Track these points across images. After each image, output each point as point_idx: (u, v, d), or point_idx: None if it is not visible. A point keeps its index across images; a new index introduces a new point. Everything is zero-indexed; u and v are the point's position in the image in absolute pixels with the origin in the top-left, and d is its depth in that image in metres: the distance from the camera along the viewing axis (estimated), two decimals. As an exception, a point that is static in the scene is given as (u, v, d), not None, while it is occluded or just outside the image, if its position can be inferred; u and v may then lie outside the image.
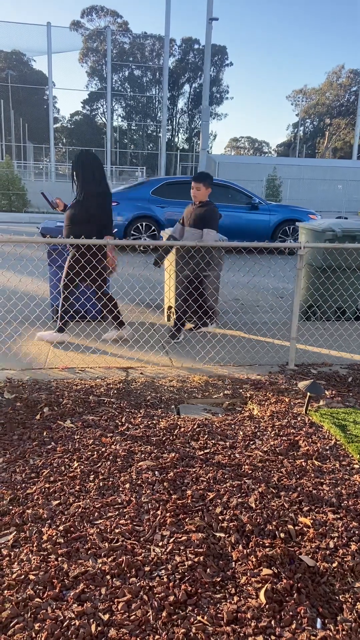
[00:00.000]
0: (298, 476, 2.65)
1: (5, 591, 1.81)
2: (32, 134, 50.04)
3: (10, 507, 2.30)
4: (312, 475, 2.66)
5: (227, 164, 30.10)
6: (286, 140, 66.25)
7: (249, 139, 73.80)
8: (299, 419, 3.36)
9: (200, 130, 22.42)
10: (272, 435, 3.11)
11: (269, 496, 2.44)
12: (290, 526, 2.20)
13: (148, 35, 55.01)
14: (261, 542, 2.08)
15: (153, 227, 11.24)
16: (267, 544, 2.08)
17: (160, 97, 51.55)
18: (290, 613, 1.75)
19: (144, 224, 11.22)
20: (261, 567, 1.95)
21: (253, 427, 3.21)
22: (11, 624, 1.67)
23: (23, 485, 2.48)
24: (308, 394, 3.47)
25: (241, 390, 3.82)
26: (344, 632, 1.69)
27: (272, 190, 24.45)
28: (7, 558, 1.98)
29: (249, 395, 3.74)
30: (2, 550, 2.02)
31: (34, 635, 1.63)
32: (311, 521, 2.25)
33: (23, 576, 1.87)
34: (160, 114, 46.10)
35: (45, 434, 3.01)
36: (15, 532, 2.13)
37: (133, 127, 60.51)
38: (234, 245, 4.36)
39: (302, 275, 4.47)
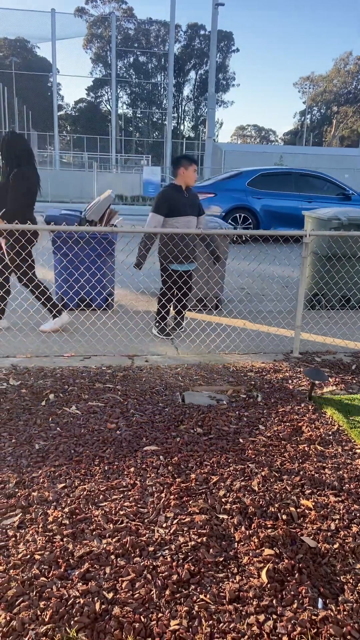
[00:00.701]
0: (301, 460, 2.67)
1: (11, 570, 1.84)
2: (36, 121, 49.84)
3: (16, 490, 2.33)
4: (315, 459, 2.69)
5: (233, 152, 29.92)
6: (293, 129, 65.66)
7: (256, 127, 73.19)
8: (302, 405, 3.38)
9: (206, 118, 22.27)
10: (276, 421, 3.13)
11: (271, 480, 2.46)
12: (292, 508, 2.23)
13: (153, 20, 54.47)
14: (263, 524, 2.11)
15: (250, 219, 11.27)
16: (269, 526, 2.11)
17: (165, 84, 51.14)
18: (292, 593, 1.78)
19: (241, 215, 11.25)
20: (263, 548, 1.98)
21: (257, 414, 3.23)
22: (17, 602, 1.71)
23: (29, 469, 2.52)
24: (312, 381, 3.48)
25: (245, 378, 3.84)
26: (345, 613, 1.72)
27: (278, 179, 24.28)
28: (13, 539, 2.02)
29: (253, 382, 3.76)
30: (8, 531, 2.06)
31: (39, 613, 1.66)
32: (313, 504, 2.27)
33: (29, 556, 1.91)
34: (166, 102, 45.75)
35: (50, 419, 3.04)
36: (21, 514, 2.16)
37: (138, 115, 60.13)
38: (238, 233, 4.36)
39: (308, 263, 4.46)
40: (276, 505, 2.25)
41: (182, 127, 62.27)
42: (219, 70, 54.16)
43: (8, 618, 1.63)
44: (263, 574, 1.85)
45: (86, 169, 29.03)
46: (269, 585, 1.80)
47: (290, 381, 3.80)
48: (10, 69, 42.29)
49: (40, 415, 3.08)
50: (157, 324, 4.88)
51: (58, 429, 2.93)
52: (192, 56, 57.44)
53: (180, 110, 61.50)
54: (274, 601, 1.75)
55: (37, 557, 1.90)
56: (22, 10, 33.50)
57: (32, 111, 47.62)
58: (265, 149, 35.37)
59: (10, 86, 41.08)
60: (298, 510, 2.23)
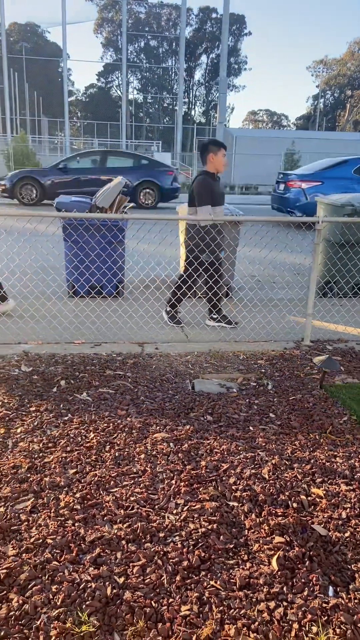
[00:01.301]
0: (312, 449, 2.66)
1: (24, 554, 1.86)
2: (47, 107, 49.59)
3: (29, 475, 2.35)
4: (326, 448, 2.68)
5: (244, 137, 29.60)
6: (306, 113, 64.72)
7: (268, 112, 72.22)
8: (313, 393, 3.36)
9: (218, 103, 22.02)
10: (287, 409, 3.12)
11: (282, 468, 2.46)
12: (303, 497, 2.23)
13: (164, 4, 53.75)
14: (274, 512, 2.11)
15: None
16: (279, 513, 2.11)
17: (176, 69, 50.56)
18: (302, 580, 1.78)
19: None
20: (273, 535, 1.98)
21: (267, 402, 3.22)
22: (29, 586, 1.73)
23: (40, 454, 2.53)
24: (323, 369, 3.46)
25: (256, 366, 3.83)
26: (356, 601, 1.72)
27: (290, 165, 24.02)
28: (26, 523, 2.04)
29: (263, 370, 3.74)
30: (21, 515, 2.08)
31: (51, 596, 1.68)
32: (324, 492, 2.27)
33: (41, 540, 1.93)
34: (177, 86, 45.28)
35: (61, 406, 3.06)
36: (33, 499, 2.18)
37: (149, 100, 59.61)
38: (247, 219, 4.32)
39: (320, 250, 4.41)
40: (287, 493, 2.25)
41: (192, 113, 61.68)
42: (231, 54, 53.38)
43: (20, 601, 1.65)
44: (273, 561, 1.85)
45: (96, 155, 28.84)
46: (279, 572, 1.81)
47: (301, 369, 3.78)
48: (21, 54, 42.03)
49: (52, 402, 3.10)
50: (168, 311, 4.85)
51: (69, 415, 2.95)
52: (203, 40, 56.67)
53: (191, 95, 60.88)
54: (285, 588, 1.75)
55: (49, 541, 1.92)
56: (32, -6, 33.12)
57: (43, 97, 47.37)
58: (278, 134, 34.92)
59: (20, 72, 40.86)
60: (309, 498, 2.23)
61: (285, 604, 1.70)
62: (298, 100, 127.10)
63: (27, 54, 44.02)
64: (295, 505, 2.17)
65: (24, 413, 2.95)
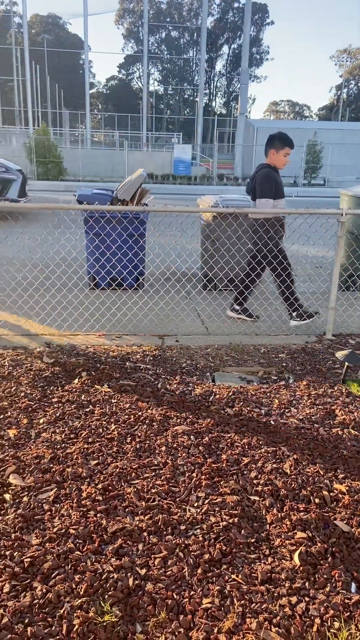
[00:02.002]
0: (334, 444, 2.64)
1: (47, 544, 1.89)
2: (68, 100, 49.72)
3: (51, 465, 2.38)
4: (349, 443, 2.65)
5: (265, 128, 29.25)
6: (328, 104, 63.71)
7: (289, 102, 71.28)
8: (335, 388, 3.33)
9: (239, 94, 21.81)
10: (308, 403, 3.10)
11: (304, 463, 2.44)
12: (325, 492, 2.21)
13: (186, -7, 53.28)
14: (296, 507, 2.10)
15: None
16: (301, 509, 2.09)
17: (197, 60, 50.18)
18: (325, 576, 1.77)
19: None
20: (295, 531, 1.97)
21: (289, 396, 3.20)
22: (53, 575, 1.75)
23: (63, 445, 2.56)
24: (346, 363, 3.42)
25: (277, 360, 3.80)
26: (377, 597, 1.70)
27: (312, 156, 23.70)
28: (49, 513, 2.06)
29: (285, 364, 3.72)
30: (44, 505, 2.10)
31: (74, 586, 1.70)
32: (346, 488, 2.25)
33: (64, 530, 1.95)
34: (198, 78, 44.94)
35: (83, 397, 3.08)
36: (56, 489, 2.21)
37: (169, 92, 59.30)
38: (265, 212, 4.27)
39: (342, 243, 4.35)
40: (308, 488, 2.23)
41: (213, 104, 61.21)
42: (253, 44, 52.75)
43: (44, 590, 1.67)
44: (295, 556, 1.84)
45: (117, 147, 28.92)
46: (301, 567, 1.80)
47: (323, 363, 3.74)
48: (42, 46, 42.15)
49: (73, 393, 3.12)
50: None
51: (90, 406, 2.97)
52: (225, 30, 56.08)
53: (212, 87, 60.40)
54: (307, 584, 1.74)
55: (71, 531, 1.94)
56: (54, -15, 33.20)
57: (64, 89, 47.50)
58: (299, 124, 34.47)
59: (42, 64, 41.00)
60: (331, 494, 2.21)
61: (307, 599, 1.69)
62: (321, 90, 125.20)
63: (48, 46, 44.15)
64: (317, 500, 2.16)
65: (46, 404, 2.98)
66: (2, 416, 2.82)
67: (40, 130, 21.13)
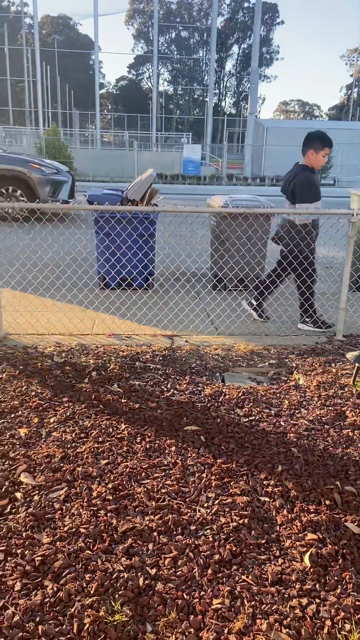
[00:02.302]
0: (344, 446, 2.63)
1: (58, 542, 1.90)
2: (78, 100, 49.89)
3: (62, 465, 2.39)
4: (359, 445, 2.63)
5: (275, 128, 29.18)
6: (339, 103, 63.41)
7: (299, 102, 71.03)
8: (346, 389, 3.31)
9: (249, 94, 21.77)
10: (318, 404, 3.09)
11: (314, 464, 2.44)
12: (335, 494, 2.20)
13: (196, -6, 53.30)
14: (306, 508, 2.10)
15: None
16: (312, 510, 2.09)
17: (207, 60, 50.12)
18: (335, 578, 1.76)
19: None
20: (306, 532, 1.96)
21: (299, 397, 3.19)
22: (63, 574, 1.76)
23: (73, 444, 2.57)
24: (356, 364, 3.41)
25: (287, 360, 3.79)
26: (388, 600, 1.69)
27: (322, 156, 23.56)
28: (59, 512, 2.07)
29: (295, 365, 3.71)
30: (55, 504, 2.11)
31: (84, 585, 1.71)
32: (357, 490, 2.24)
33: (74, 529, 1.96)
34: (207, 78, 44.93)
35: (93, 397, 3.09)
36: (66, 488, 2.22)
37: (179, 92, 59.34)
38: (277, 212, 4.26)
39: (353, 243, 4.33)
40: (319, 490, 2.23)
41: (223, 104, 61.16)
42: (263, 43, 52.59)
43: (55, 589, 1.68)
44: (306, 558, 1.84)
45: (127, 147, 28.99)
46: (311, 569, 1.79)
47: (333, 364, 3.73)
48: (53, 47, 42.33)
49: (84, 392, 3.13)
50: (309, 317, 4.60)
51: (100, 406, 2.98)
52: (235, 30, 56.01)
53: (221, 86, 60.35)
54: (317, 585, 1.74)
55: (82, 530, 1.95)
56: (65, -14, 33.33)
57: (74, 90, 47.67)
58: (310, 124, 34.34)
59: (52, 65, 41.18)
60: (342, 495, 2.20)
61: (317, 601, 1.68)
62: (331, 90, 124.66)
63: (59, 46, 44.34)
64: (327, 502, 2.15)
65: (56, 403, 3.00)
66: (13, 415, 2.83)
67: (50, 131, 21.22)
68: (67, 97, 47.07)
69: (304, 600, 1.67)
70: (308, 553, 1.85)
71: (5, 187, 9.90)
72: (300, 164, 4.40)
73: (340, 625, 1.59)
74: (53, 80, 41.83)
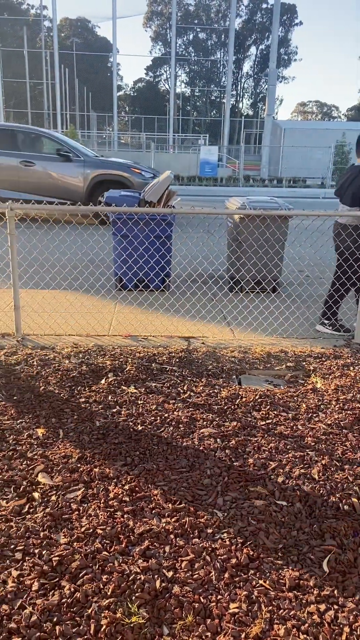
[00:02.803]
0: (363, 451, 2.60)
1: (75, 543, 1.90)
2: (96, 102, 50.23)
3: (79, 465, 2.40)
4: (378, 450, 2.60)
5: (293, 129, 29.04)
6: (357, 104, 62.88)
7: (317, 103, 70.61)
8: (364, 393, 3.27)
9: (266, 95, 21.69)
10: (337, 408, 3.06)
11: (332, 469, 2.41)
12: (354, 499, 2.18)
13: (214, -5, 53.33)
14: (324, 513, 2.08)
15: None
16: (330, 515, 2.07)
17: (225, 61, 50.10)
18: (354, 584, 1.74)
19: None
20: (324, 538, 1.94)
21: (316, 400, 3.16)
22: (80, 575, 1.76)
23: (90, 445, 2.58)
24: (375, 368, 3.36)
25: (304, 363, 3.76)
26: None
27: (340, 157, 23.42)
28: (77, 512, 2.08)
29: (312, 368, 3.68)
30: (72, 504, 2.12)
31: (101, 586, 1.71)
32: (376, 496, 2.21)
33: (91, 530, 1.97)
34: (225, 79, 44.90)
35: (110, 398, 3.10)
36: (83, 489, 2.23)
37: (196, 94, 59.39)
38: (299, 214, 4.24)
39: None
40: (337, 495, 2.20)
41: (240, 105, 61.05)
42: (281, 44, 52.40)
43: (72, 589, 1.69)
44: (324, 563, 1.82)
45: (144, 149, 29.08)
46: (330, 575, 1.77)
47: (351, 368, 3.69)
48: (72, 49, 42.67)
49: (101, 393, 3.15)
50: (328, 319, 4.53)
51: (117, 407, 2.99)
52: (253, 31, 55.91)
53: (239, 88, 60.26)
54: (336, 592, 1.72)
55: (99, 531, 1.96)
56: (84, -11, 33.59)
57: (92, 92, 48.00)
58: (328, 125, 34.09)
59: (71, 67, 41.52)
60: (360, 501, 2.18)
61: (336, 607, 1.66)
62: (349, 90, 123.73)
63: (77, 49, 44.68)
64: (346, 507, 2.12)
65: (74, 404, 3.01)
66: (31, 415, 2.86)
67: (68, 133, 21.38)
68: (85, 99, 47.41)
69: (322, 606, 1.66)
70: (326, 559, 1.84)
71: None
72: (357, 165, 4.29)
73: (358, 632, 1.57)
74: (71, 83, 42.17)
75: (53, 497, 2.16)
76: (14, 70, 41.32)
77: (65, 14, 52.01)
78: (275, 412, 2.97)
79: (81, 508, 2.10)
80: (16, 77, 41.22)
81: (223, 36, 52.33)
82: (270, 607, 1.65)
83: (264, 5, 54.67)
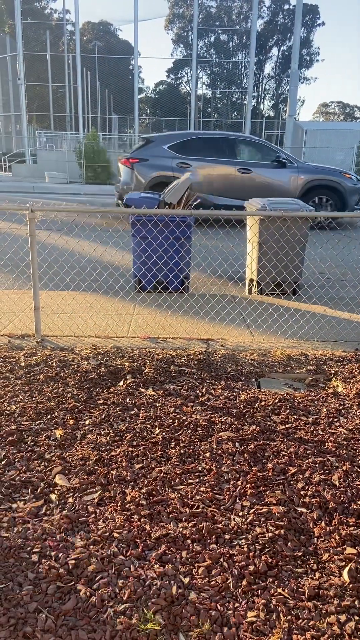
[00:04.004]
0: (385, 457, 2.54)
1: (91, 546, 1.89)
2: (117, 105, 50.53)
3: (96, 467, 2.39)
4: None
5: (315, 130, 28.76)
6: (380, 104, 61.98)
7: (340, 103, 69.87)
8: (387, 398, 3.20)
9: (288, 96, 21.55)
10: (358, 413, 3.00)
11: (353, 475, 2.36)
12: (376, 508, 2.12)
13: (235, -3, 53.24)
14: (345, 521, 2.03)
15: None
16: (351, 523, 2.02)
17: (246, 62, 49.97)
18: (375, 596, 1.69)
19: None
20: (345, 546, 1.90)
21: (337, 405, 3.11)
22: (96, 579, 1.75)
23: (107, 447, 2.57)
24: None
25: (325, 367, 3.70)
26: None
27: (362, 158, 23.10)
28: (93, 515, 2.07)
29: (333, 371, 3.62)
30: (89, 507, 2.11)
31: (117, 591, 1.69)
32: None
33: (108, 533, 1.95)
34: (246, 80, 44.75)
35: (128, 400, 3.09)
36: (100, 491, 2.21)
37: (217, 95, 59.33)
38: (318, 215, 4.17)
39: None
40: (359, 502, 2.15)
41: (261, 107, 60.76)
42: (303, 45, 51.98)
43: (88, 593, 1.67)
44: (345, 573, 1.77)
45: (164, 151, 29.07)
46: (350, 585, 1.73)
47: (374, 372, 3.61)
48: (93, 53, 43.02)
49: (119, 395, 3.14)
50: None
51: (135, 409, 2.97)
52: (274, 32, 55.61)
53: (260, 89, 59.98)
54: (356, 602, 1.67)
55: (115, 535, 1.94)
56: (106, -7, 33.77)
57: (114, 95, 48.30)
58: (350, 126, 33.70)
59: (93, 70, 41.84)
60: (382, 509, 2.12)
61: (357, 618, 1.62)
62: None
63: (99, 52, 45.03)
64: (368, 515, 2.07)
65: (92, 405, 3.01)
66: (49, 416, 2.86)
67: (90, 135, 21.53)
68: (107, 102, 47.71)
69: (343, 617, 1.61)
70: (347, 568, 1.79)
71: (319, 196, 10.55)
72: None
73: (380, 646, 1.52)
74: (93, 86, 42.47)
75: (70, 499, 2.16)
76: (37, 73, 41.81)
77: (87, 18, 52.58)
78: (295, 417, 2.93)
79: (98, 511, 2.09)
80: (39, 80, 41.68)
81: (244, 37, 52.17)
82: (289, 617, 1.61)
83: (286, 7, 54.35)
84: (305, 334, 4.47)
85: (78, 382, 3.29)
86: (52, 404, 3.00)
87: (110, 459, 2.47)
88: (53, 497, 2.18)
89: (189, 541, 1.92)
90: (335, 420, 2.91)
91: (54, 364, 3.56)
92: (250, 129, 31.72)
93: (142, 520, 2.03)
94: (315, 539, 1.95)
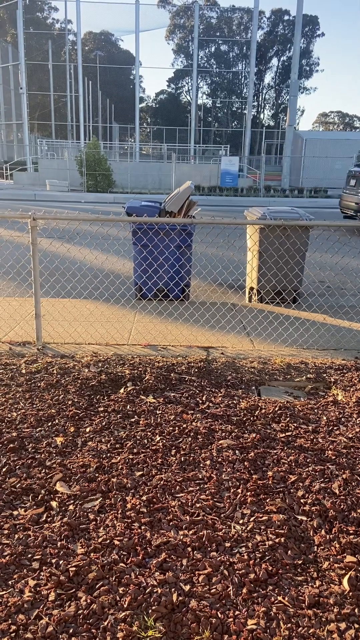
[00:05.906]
0: (385, 465, 2.54)
1: (92, 554, 1.90)
2: (118, 114, 50.85)
3: (97, 475, 2.40)
4: None
5: (314, 140, 28.93)
6: (379, 114, 62.36)
7: (339, 113, 70.37)
8: (387, 406, 3.21)
9: (288, 106, 21.71)
10: (358, 422, 3.00)
11: (353, 483, 2.36)
12: (376, 516, 2.13)
13: (236, 8, 53.74)
14: (345, 529, 2.03)
15: None
16: (351, 531, 2.02)
17: (246, 72, 50.35)
18: (375, 604, 1.69)
19: None
20: (345, 554, 1.90)
21: (337, 413, 3.12)
22: (97, 586, 1.75)
23: (108, 455, 2.58)
24: None
25: (325, 375, 3.71)
26: None
27: (362, 167, 23.21)
28: (94, 522, 2.07)
29: (333, 380, 3.62)
30: (89, 514, 2.12)
31: (118, 598, 1.70)
32: None
33: (108, 541, 1.96)
34: (246, 90, 45.07)
35: (128, 407, 3.10)
36: (101, 499, 2.22)
37: (217, 105, 59.74)
38: (320, 224, 4.20)
39: None
40: (359, 510, 2.16)
41: (261, 116, 61.19)
42: (303, 55, 52.40)
43: (89, 600, 1.67)
44: (345, 581, 1.78)
45: (165, 160, 29.29)
46: (350, 593, 1.73)
47: (373, 380, 3.62)
48: (95, 62, 43.33)
49: (119, 403, 3.15)
50: None
51: (136, 417, 2.98)
52: (274, 43, 56.10)
53: (260, 99, 60.42)
54: (356, 610, 1.67)
55: (116, 542, 1.94)
56: (107, 3, 34.02)
57: (115, 104, 48.61)
58: (349, 135, 33.89)
59: (94, 80, 42.14)
60: (382, 517, 2.13)
61: (357, 626, 1.62)
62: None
63: (100, 62, 45.34)
64: (367, 523, 2.08)
65: (92, 413, 3.02)
66: (50, 423, 2.87)
67: (91, 144, 21.66)
68: (108, 111, 48.03)
69: (343, 625, 1.62)
70: (347, 576, 1.79)
71: None
72: None
73: (380, 655, 1.53)
74: (94, 95, 42.78)
75: (71, 507, 2.16)
76: (39, 83, 42.15)
77: (89, 28, 52.82)
78: (295, 425, 2.94)
79: (98, 518, 2.09)
80: (41, 89, 42.01)
81: (245, 48, 52.59)
82: (289, 625, 1.61)
83: (286, 17, 54.87)
84: (305, 342, 4.48)
85: (79, 390, 3.30)
86: (52, 411, 3.01)
87: (110, 467, 2.47)
88: (54, 504, 2.19)
89: (189, 549, 1.93)
90: (335, 428, 2.92)
91: (55, 371, 3.57)
92: (250, 139, 31.91)
93: (142, 527, 2.04)
94: (316, 547, 1.96)
